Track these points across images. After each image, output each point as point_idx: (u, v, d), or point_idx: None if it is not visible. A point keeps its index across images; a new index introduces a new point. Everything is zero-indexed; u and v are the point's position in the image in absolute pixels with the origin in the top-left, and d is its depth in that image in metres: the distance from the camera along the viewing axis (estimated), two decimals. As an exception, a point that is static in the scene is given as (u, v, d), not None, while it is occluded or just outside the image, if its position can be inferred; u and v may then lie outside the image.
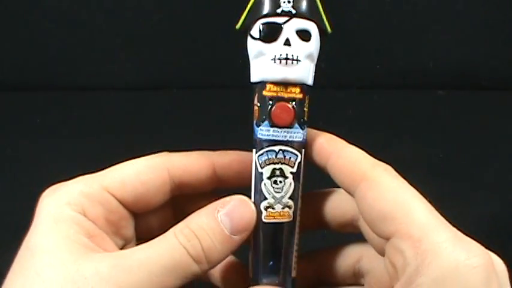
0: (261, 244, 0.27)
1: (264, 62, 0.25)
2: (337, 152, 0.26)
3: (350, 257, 0.29)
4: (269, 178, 0.26)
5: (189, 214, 0.29)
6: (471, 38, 0.64)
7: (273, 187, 0.26)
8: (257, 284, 0.27)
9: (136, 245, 0.28)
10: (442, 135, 0.57)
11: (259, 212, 0.27)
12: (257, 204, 0.27)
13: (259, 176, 0.27)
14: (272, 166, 0.26)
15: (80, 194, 0.26)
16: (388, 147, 0.53)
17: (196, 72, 0.65)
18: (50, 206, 0.25)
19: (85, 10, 0.64)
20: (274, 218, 0.27)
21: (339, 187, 0.27)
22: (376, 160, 0.25)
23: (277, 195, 0.27)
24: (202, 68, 0.65)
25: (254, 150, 0.27)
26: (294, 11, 0.25)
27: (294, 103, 0.26)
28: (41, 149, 0.56)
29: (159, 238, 0.25)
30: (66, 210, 0.25)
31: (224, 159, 0.29)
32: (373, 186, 0.24)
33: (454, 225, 0.23)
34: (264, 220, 0.27)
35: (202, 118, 0.61)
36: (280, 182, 0.26)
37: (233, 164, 0.29)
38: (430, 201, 0.24)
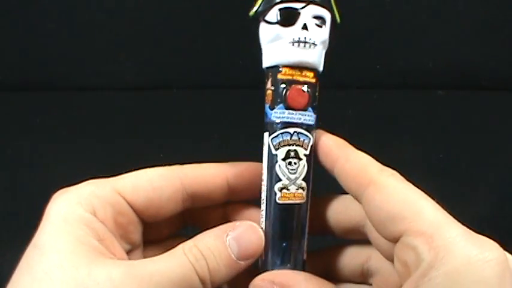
0: (275, 225, 0.27)
1: (281, 46, 0.26)
2: (345, 156, 0.27)
3: (359, 256, 0.29)
4: (284, 159, 0.27)
5: (198, 225, 0.30)
6: (471, 38, 0.64)
7: (288, 168, 0.27)
8: (267, 266, 0.28)
9: (143, 252, 0.29)
10: (442, 135, 0.57)
11: (273, 194, 0.27)
12: (270, 187, 0.27)
13: (273, 158, 0.27)
14: (287, 148, 0.27)
15: (91, 194, 0.26)
16: (388, 147, 0.53)
17: (196, 72, 0.65)
18: (61, 206, 0.25)
19: (85, 10, 0.64)
20: (289, 199, 0.27)
21: (344, 193, 0.27)
22: (383, 166, 0.26)
23: (292, 177, 0.27)
24: (202, 68, 0.65)
25: (267, 133, 0.27)
26: None
27: (307, 87, 0.26)
28: (41, 149, 0.56)
29: (169, 253, 0.25)
30: (77, 210, 0.25)
31: (236, 170, 0.29)
32: (381, 189, 0.24)
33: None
34: (279, 201, 0.27)
35: (202, 118, 0.61)
36: (295, 163, 0.27)
37: (245, 174, 0.29)
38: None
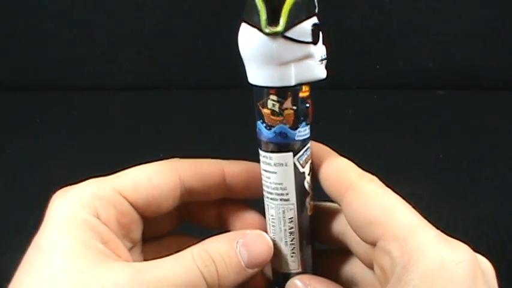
0: (306, 235, 0.28)
1: (309, 65, 0.24)
2: (326, 162, 0.27)
3: (342, 266, 0.30)
4: (309, 174, 0.27)
5: (194, 221, 0.30)
6: (471, 38, 0.64)
7: (312, 181, 0.27)
8: (289, 273, 0.28)
9: (142, 248, 0.29)
10: (442, 135, 0.57)
11: (304, 209, 0.27)
12: (301, 203, 0.27)
13: (302, 176, 0.27)
14: (309, 162, 0.27)
15: (93, 196, 0.26)
16: (388, 147, 0.53)
17: (196, 72, 0.65)
18: (63, 208, 0.25)
19: (85, 10, 0.65)
20: (313, 210, 0.28)
21: (326, 200, 0.28)
22: (363, 171, 0.26)
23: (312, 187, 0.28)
24: (202, 68, 0.65)
25: (290, 153, 0.26)
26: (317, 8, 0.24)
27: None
28: (41, 149, 0.56)
29: (177, 257, 0.25)
30: (80, 213, 0.25)
31: (235, 168, 0.29)
32: (359, 194, 0.25)
33: (453, 226, 0.23)
34: (309, 213, 0.28)
35: (202, 118, 0.61)
36: (313, 174, 0.28)
37: (243, 173, 0.29)
38: (430, 201, 0.24)
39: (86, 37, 0.65)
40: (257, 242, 0.27)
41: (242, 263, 0.26)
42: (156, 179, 0.27)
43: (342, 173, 0.26)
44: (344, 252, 0.29)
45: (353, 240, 0.27)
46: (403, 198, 0.25)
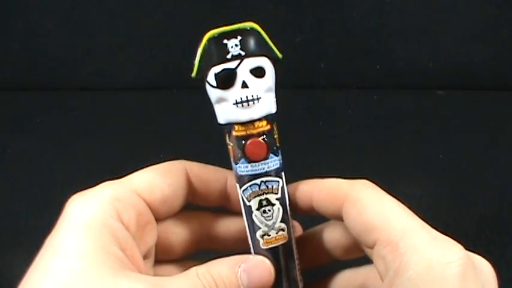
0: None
1: (227, 107, 0.26)
2: (316, 187, 0.28)
3: (356, 278, 0.30)
4: (258, 209, 0.28)
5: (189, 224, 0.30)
6: (471, 38, 0.64)
7: (264, 216, 0.28)
8: None
9: (156, 255, 0.29)
10: (442, 135, 0.57)
11: (255, 241, 0.28)
12: (253, 234, 0.28)
13: (249, 209, 0.28)
14: (258, 198, 0.27)
15: (112, 198, 0.26)
16: (388, 147, 0.53)
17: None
18: (82, 210, 0.25)
19: (85, 10, 0.64)
20: (272, 243, 0.28)
21: None
22: (353, 180, 0.27)
23: (269, 223, 0.28)
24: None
25: (238, 185, 0.28)
26: (243, 53, 0.25)
27: (264, 136, 0.27)
28: (41, 149, 0.56)
29: (185, 275, 0.25)
30: (100, 215, 0.25)
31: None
32: (355, 203, 0.25)
33: (454, 226, 0.23)
34: (263, 247, 0.28)
35: (202, 118, 0.60)
36: (269, 210, 0.28)
37: None
38: (430, 201, 0.24)
39: (86, 37, 0.65)
40: (258, 267, 0.27)
41: (242, 287, 0.26)
42: (170, 178, 0.28)
43: (335, 189, 0.27)
44: (355, 265, 0.30)
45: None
46: (403, 199, 0.25)
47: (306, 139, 0.52)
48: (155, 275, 0.29)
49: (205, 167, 0.30)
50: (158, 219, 0.29)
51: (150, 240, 0.28)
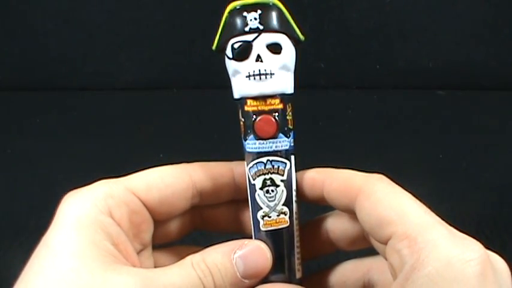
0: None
1: (241, 80, 0.26)
2: (329, 177, 0.27)
3: (359, 269, 0.30)
4: (261, 188, 0.27)
5: (207, 227, 0.30)
6: (471, 38, 0.64)
7: (266, 196, 0.27)
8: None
9: (152, 252, 0.29)
10: (442, 135, 0.57)
11: (255, 222, 0.28)
12: (254, 215, 0.28)
13: (253, 188, 0.27)
14: (262, 177, 0.27)
15: (105, 195, 0.26)
16: (388, 147, 0.53)
17: (196, 72, 0.65)
18: (75, 207, 0.25)
19: (85, 10, 0.65)
20: (271, 226, 0.28)
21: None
22: (368, 173, 0.26)
23: (271, 204, 0.28)
24: (202, 68, 0.65)
25: (245, 163, 0.27)
26: (261, 27, 0.26)
27: (276, 114, 0.27)
28: (41, 149, 0.56)
29: (179, 265, 0.25)
30: (92, 212, 0.25)
31: (243, 168, 0.29)
32: (369, 196, 0.25)
33: (453, 225, 0.23)
34: (262, 229, 0.28)
35: (202, 118, 0.61)
36: (272, 191, 0.27)
37: None
38: (429, 201, 0.24)
39: (86, 37, 0.65)
40: (254, 253, 0.27)
41: (238, 274, 0.26)
42: (168, 180, 0.28)
43: (348, 180, 0.26)
44: (358, 257, 0.29)
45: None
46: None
47: (306, 139, 0.52)
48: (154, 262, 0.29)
49: (208, 164, 0.29)
50: (159, 219, 0.28)
51: (146, 237, 0.28)
